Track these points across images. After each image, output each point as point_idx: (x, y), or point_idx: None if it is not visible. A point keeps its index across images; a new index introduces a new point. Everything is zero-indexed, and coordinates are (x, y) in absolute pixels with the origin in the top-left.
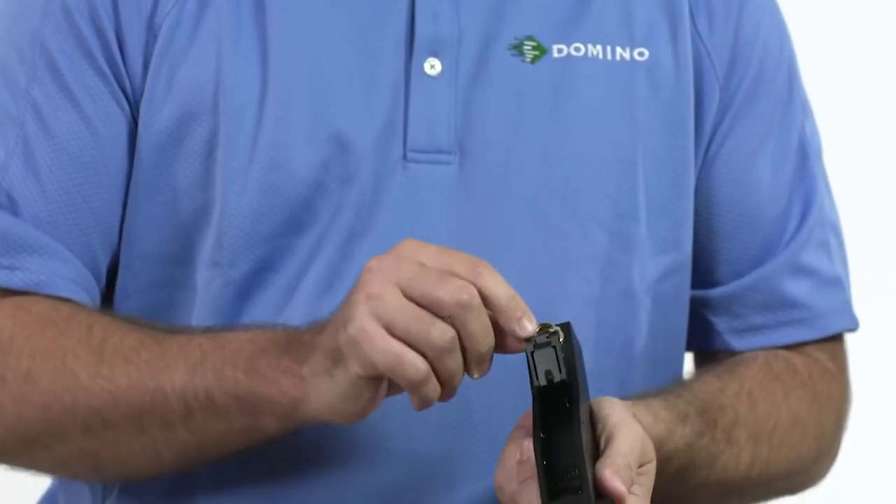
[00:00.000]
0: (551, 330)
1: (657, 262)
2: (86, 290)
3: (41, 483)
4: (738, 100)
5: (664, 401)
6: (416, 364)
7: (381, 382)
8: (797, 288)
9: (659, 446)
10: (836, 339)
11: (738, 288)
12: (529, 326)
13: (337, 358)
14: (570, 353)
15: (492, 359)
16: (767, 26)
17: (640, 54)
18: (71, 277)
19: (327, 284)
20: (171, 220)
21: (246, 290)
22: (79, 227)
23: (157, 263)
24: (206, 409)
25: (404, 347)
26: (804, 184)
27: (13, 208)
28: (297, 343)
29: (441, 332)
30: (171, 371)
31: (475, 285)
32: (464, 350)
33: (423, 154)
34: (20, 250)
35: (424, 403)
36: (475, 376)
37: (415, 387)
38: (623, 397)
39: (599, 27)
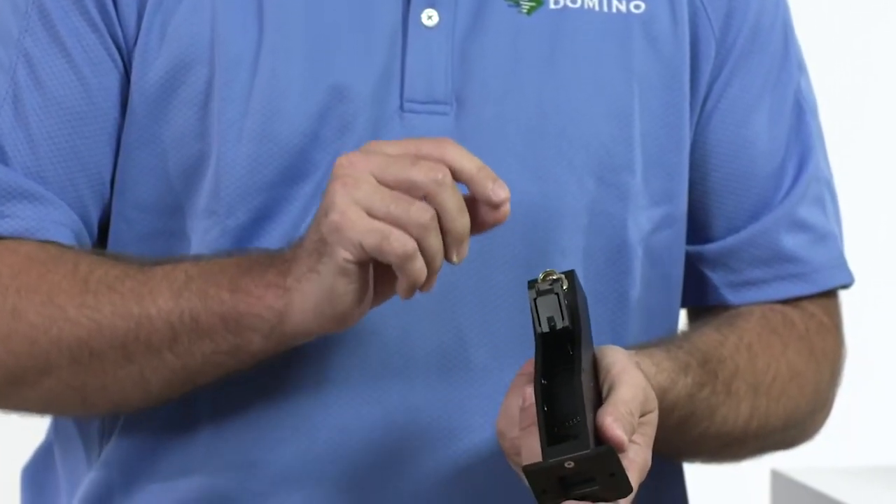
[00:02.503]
0: (555, 277)
1: (651, 214)
2: (76, 236)
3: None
4: (734, 55)
5: (666, 351)
6: (402, 238)
7: (367, 272)
8: (793, 242)
9: (661, 396)
10: (832, 294)
11: (734, 242)
12: (501, 192)
13: (321, 250)
14: (573, 300)
15: (468, 242)
16: None
17: (637, 7)
18: (61, 222)
19: None
20: (166, 169)
21: (243, 239)
22: (68, 176)
23: (151, 213)
24: (192, 331)
25: (388, 225)
26: (800, 139)
27: (2, 157)
28: (279, 259)
29: (421, 210)
30: (156, 296)
31: (444, 162)
32: (443, 232)
33: (420, 105)
34: (9, 198)
35: (412, 285)
36: (454, 260)
37: (404, 262)
38: (619, 340)
39: None
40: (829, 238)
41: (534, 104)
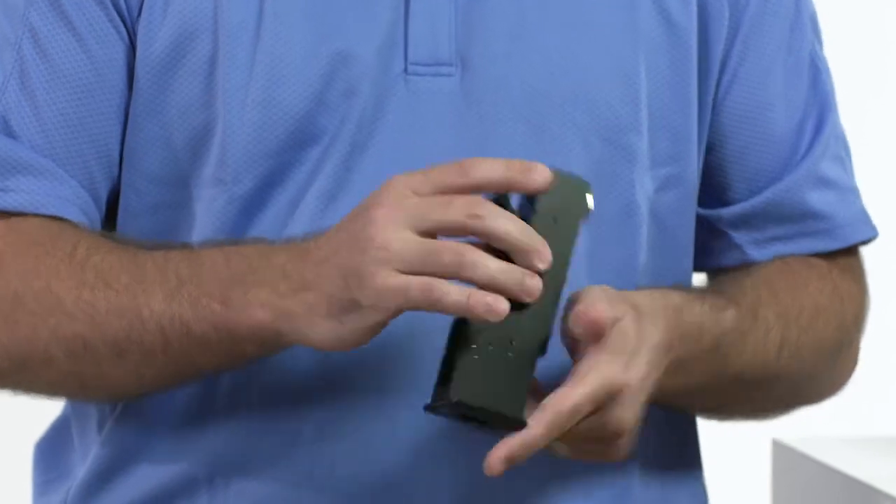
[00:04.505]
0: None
1: (656, 174)
2: (83, 211)
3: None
4: (747, 17)
5: (674, 287)
6: (451, 291)
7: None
8: (817, 199)
9: (677, 317)
10: (854, 250)
11: (757, 203)
12: (539, 177)
13: (350, 308)
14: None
15: (539, 245)
16: None
17: None
18: (66, 198)
19: (330, 197)
20: (173, 140)
21: (250, 206)
22: (76, 150)
23: (159, 184)
24: (184, 337)
25: (427, 279)
26: (817, 98)
27: (8, 131)
28: (275, 273)
29: (452, 253)
30: (149, 297)
31: (472, 184)
32: (511, 252)
33: (425, 67)
34: (14, 172)
35: (481, 313)
36: (540, 267)
37: (464, 310)
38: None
39: None
40: (851, 193)
41: (539, 65)
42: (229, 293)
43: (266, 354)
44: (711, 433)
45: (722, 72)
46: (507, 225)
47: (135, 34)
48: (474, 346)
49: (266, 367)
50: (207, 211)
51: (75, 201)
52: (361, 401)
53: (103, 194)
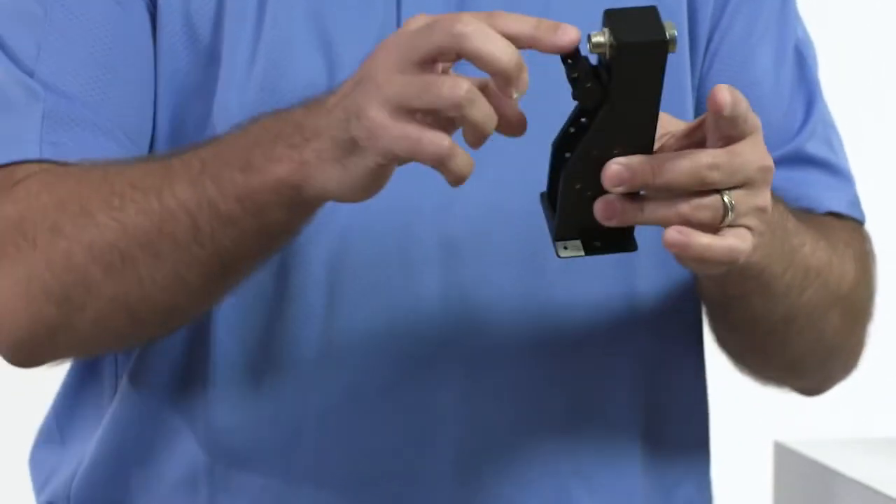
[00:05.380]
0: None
1: None
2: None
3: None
4: (732, 4)
5: None
6: (434, 140)
7: (395, 163)
8: (803, 175)
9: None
10: (861, 224)
11: None
12: (566, 36)
13: (350, 148)
14: (625, 59)
15: (522, 75)
16: None
17: None
18: (110, 148)
19: None
20: (178, 127)
21: None
22: (118, 107)
23: None
24: (213, 218)
25: (419, 128)
26: (804, 84)
27: (52, 88)
28: (289, 127)
29: (453, 87)
30: (174, 187)
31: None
32: (492, 73)
33: None
34: (61, 125)
35: (458, 179)
36: (514, 97)
37: (440, 163)
38: (627, 284)
39: None
40: (840, 174)
41: (531, 54)
42: (248, 157)
43: (296, 222)
44: (713, 435)
45: (706, 51)
46: (489, 45)
47: (154, 7)
48: (577, 188)
49: (266, 351)
50: None
51: (121, 151)
52: (363, 392)
53: (145, 145)
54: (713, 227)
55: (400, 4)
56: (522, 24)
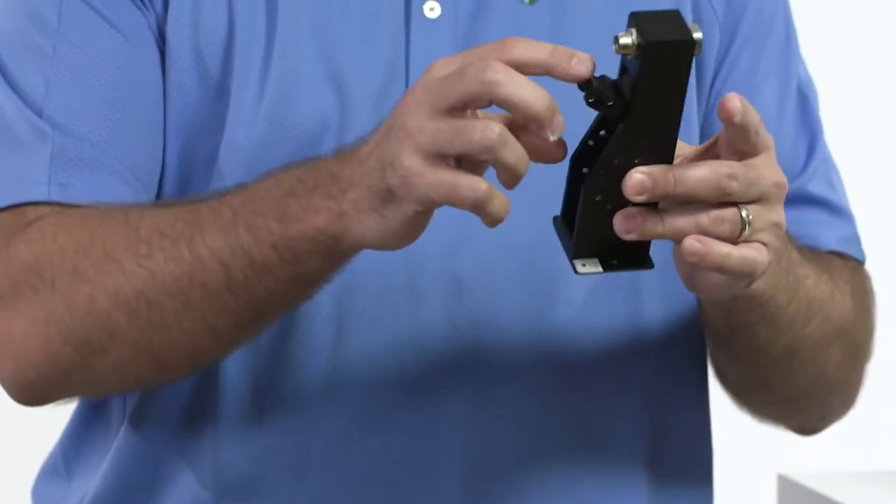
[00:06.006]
0: (631, 41)
1: None
2: (135, 200)
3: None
4: (739, 37)
5: None
6: (471, 185)
7: (433, 210)
8: (804, 215)
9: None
10: (862, 264)
11: None
12: (582, 67)
13: (387, 198)
14: (644, 74)
15: (557, 117)
16: None
17: None
18: (118, 189)
19: None
20: (188, 162)
21: None
22: (126, 146)
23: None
24: (247, 267)
25: (454, 173)
26: (807, 124)
27: (60, 128)
28: (325, 177)
29: (485, 131)
30: (205, 235)
31: (510, 62)
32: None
33: None
34: (69, 166)
35: (495, 221)
36: (552, 138)
37: (478, 207)
38: (632, 314)
39: None
40: (841, 213)
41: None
42: (284, 208)
43: (331, 270)
44: (717, 467)
45: (711, 89)
46: (521, 91)
47: (163, 44)
48: (597, 200)
49: (273, 383)
50: None
51: (129, 192)
52: (368, 424)
53: (154, 182)
54: (731, 242)
55: (409, 36)
56: (537, 52)
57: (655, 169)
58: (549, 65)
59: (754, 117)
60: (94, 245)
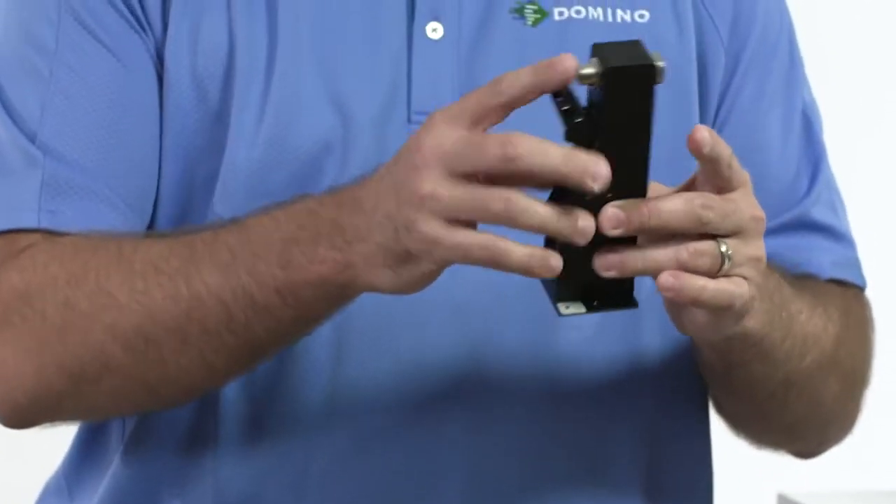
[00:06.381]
0: (592, 71)
1: None
2: (127, 228)
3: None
4: (743, 63)
5: None
6: (485, 246)
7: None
8: (807, 241)
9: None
10: (862, 290)
11: None
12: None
13: (404, 259)
14: (611, 98)
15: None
16: None
17: (641, 16)
18: (110, 217)
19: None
20: (187, 184)
21: None
22: (121, 167)
23: (174, 225)
24: (248, 307)
25: (472, 235)
26: (811, 148)
27: (53, 154)
28: (327, 226)
29: (498, 200)
30: (203, 274)
31: (519, 169)
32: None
33: (428, 116)
34: (63, 193)
35: (518, 269)
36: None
37: (497, 265)
38: (632, 343)
39: None
40: (843, 239)
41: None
42: (287, 255)
43: (334, 311)
44: (717, 486)
45: (717, 115)
46: (546, 158)
47: (161, 67)
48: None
49: (272, 405)
50: None
51: (121, 220)
52: (367, 446)
53: (147, 211)
54: (711, 276)
55: (411, 57)
56: (523, 79)
57: (629, 202)
58: (537, 84)
59: (725, 150)
60: (86, 276)
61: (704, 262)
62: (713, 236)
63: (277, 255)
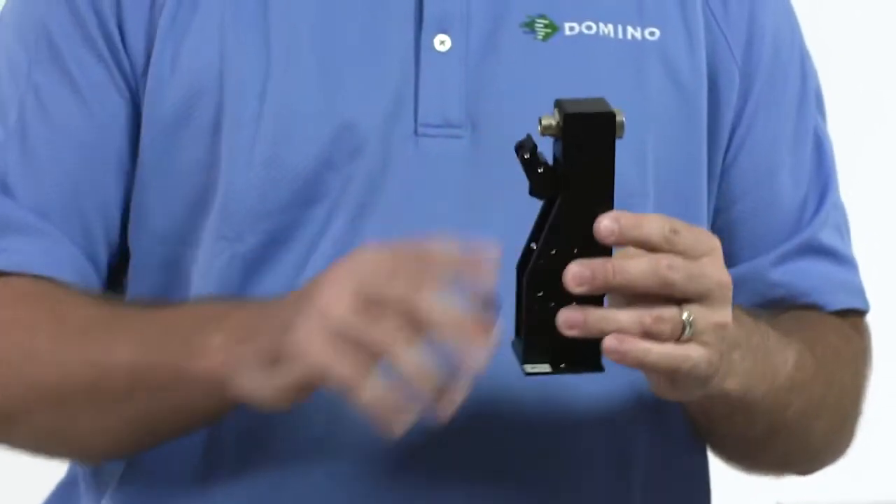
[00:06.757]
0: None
1: None
2: (77, 272)
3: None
4: (758, 84)
5: None
6: (345, 369)
7: (316, 388)
8: (814, 266)
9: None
10: (858, 316)
11: (759, 265)
12: (454, 401)
13: (276, 360)
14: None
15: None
16: (779, 13)
17: (651, 34)
18: (60, 258)
19: (338, 258)
20: (180, 198)
21: (253, 264)
22: (75, 209)
23: (165, 243)
24: (146, 386)
25: (348, 364)
26: (822, 168)
27: (6, 190)
28: (235, 323)
29: (382, 337)
30: (118, 346)
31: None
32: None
33: (435, 129)
34: (10, 231)
35: (362, 406)
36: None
37: (348, 391)
38: (633, 379)
39: (612, 6)
40: (847, 263)
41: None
42: (190, 338)
43: (215, 412)
44: (715, 496)
45: (731, 138)
46: (442, 316)
47: (139, 93)
48: (540, 297)
49: (273, 432)
50: (210, 266)
51: (70, 262)
52: (369, 465)
53: (102, 253)
54: (671, 342)
55: (419, 69)
56: (448, 258)
57: (594, 261)
58: (459, 272)
59: (655, 229)
60: (17, 326)
61: (665, 328)
62: (679, 301)
63: (182, 337)
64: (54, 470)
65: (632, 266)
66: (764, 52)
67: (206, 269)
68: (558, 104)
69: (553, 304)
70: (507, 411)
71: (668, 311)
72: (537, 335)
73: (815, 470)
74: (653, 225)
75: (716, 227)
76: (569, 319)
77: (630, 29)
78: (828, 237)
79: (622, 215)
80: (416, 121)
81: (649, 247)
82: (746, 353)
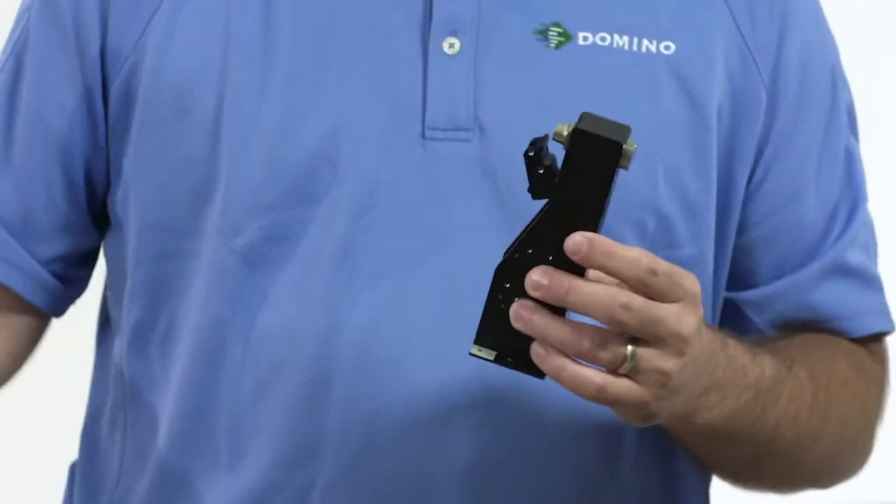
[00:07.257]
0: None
1: (674, 255)
2: (24, 273)
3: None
4: (785, 108)
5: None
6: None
7: None
8: (840, 288)
9: (723, 342)
10: (880, 339)
11: (782, 286)
12: None
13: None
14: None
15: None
16: (810, 29)
17: (667, 48)
18: (7, 259)
19: (345, 255)
20: (180, 190)
21: (253, 259)
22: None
23: (165, 234)
24: None
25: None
26: (851, 185)
27: None
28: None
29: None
30: None
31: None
32: None
33: (442, 132)
34: None
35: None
36: None
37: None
38: None
39: (628, 18)
40: (873, 284)
41: None
42: None
43: None
44: (715, 501)
45: (757, 160)
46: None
47: (108, 87)
48: (506, 287)
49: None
50: (211, 260)
51: (16, 263)
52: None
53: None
54: (609, 370)
55: (427, 72)
56: None
57: (557, 273)
58: None
59: (617, 263)
60: None
61: (604, 356)
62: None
63: None
64: (54, 471)
65: (587, 290)
66: (792, 73)
67: (206, 262)
68: (581, 117)
69: (517, 298)
70: (515, 394)
71: (614, 341)
72: (494, 323)
73: (818, 489)
74: (627, 259)
75: (739, 246)
76: (517, 312)
77: (646, 42)
78: (854, 257)
79: (597, 238)
80: (423, 123)
81: (621, 280)
82: (730, 393)
